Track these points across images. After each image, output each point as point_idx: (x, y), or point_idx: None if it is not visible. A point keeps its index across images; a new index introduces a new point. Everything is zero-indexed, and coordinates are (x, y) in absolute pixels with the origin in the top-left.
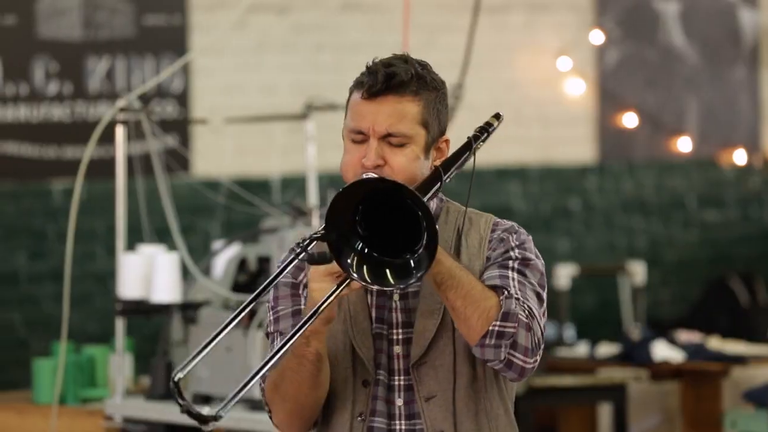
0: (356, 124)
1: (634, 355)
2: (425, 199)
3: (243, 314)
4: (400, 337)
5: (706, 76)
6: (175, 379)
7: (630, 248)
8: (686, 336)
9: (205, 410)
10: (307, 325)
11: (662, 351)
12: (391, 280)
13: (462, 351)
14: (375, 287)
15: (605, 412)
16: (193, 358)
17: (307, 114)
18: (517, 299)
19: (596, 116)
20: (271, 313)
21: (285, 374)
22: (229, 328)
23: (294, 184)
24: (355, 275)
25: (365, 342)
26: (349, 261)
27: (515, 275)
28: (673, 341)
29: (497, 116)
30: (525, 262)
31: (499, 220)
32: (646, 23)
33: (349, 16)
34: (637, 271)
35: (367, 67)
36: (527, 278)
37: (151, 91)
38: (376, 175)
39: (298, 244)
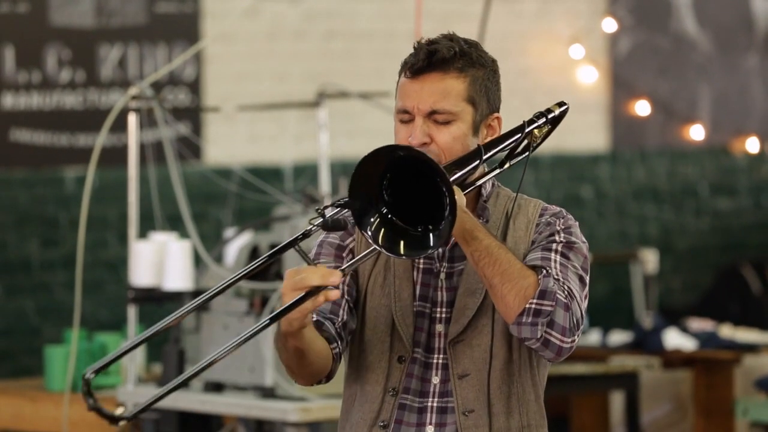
0: (402, 104)
1: (646, 343)
2: (459, 175)
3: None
4: (444, 315)
5: (718, 63)
6: (86, 376)
7: (642, 236)
8: (698, 324)
9: (119, 411)
10: (255, 328)
11: (674, 339)
12: (402, 251)
13: (500, 333)
14: (384, 251)
15: (617, 400)
16: (114, 359)
17: (320, 102)
18: (557, 279)
19: (608, 104)
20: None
21: (282, 352)
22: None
23: (306, 172)
24: (369, 235)
25: (406, 319)
26: (371, 221)
27: (558, 257)
28: (685, 329)
29: (561, 104)
30: (569, 245)
31: (548, 206)
32: (658, 11)
33: (361, 3)
34: (649, 259)
35: (413, 47)
36: (570, 261)
37: (164, 79)
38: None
39: (318, 209)
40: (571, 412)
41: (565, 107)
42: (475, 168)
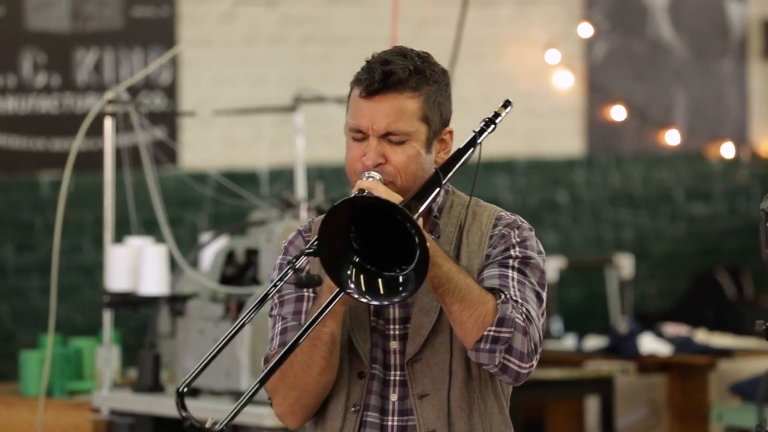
0: (356, 123)
1: (621, 348)
2: (422, 209)
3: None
4: (397, 332)
5: (694, 69)
6: (181, 390)
7: (617, 241)
8: (673, 329)
9: (209, 423)
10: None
11: (649, 344)
12: (383, 294)
13: (458, 350)
14: (373, 303)
15: (592, 405)
16: (196, 370)
17: (296, 106)
18: (515, 302)
19: (584, 109)
20: (276, 296)
21: (295, 359)
22: (225, 338)
23: (282, 177)
24: (352, 289)
25: (362, 335)
26: (349, 273)
27: (515, 274)
28: (660, 334)
29: (506, 104)
30: (525, 260)
31: (502, 213)
32: (634, 16)
33: (337, 8)
34: (625, 264)
35: (366, 63)
36: (527, 277)
37: (140, 83)
38: (366, 193)
39: (290, 261)
40: (547, 417)
41: (510, 107)
42: (437, 194)
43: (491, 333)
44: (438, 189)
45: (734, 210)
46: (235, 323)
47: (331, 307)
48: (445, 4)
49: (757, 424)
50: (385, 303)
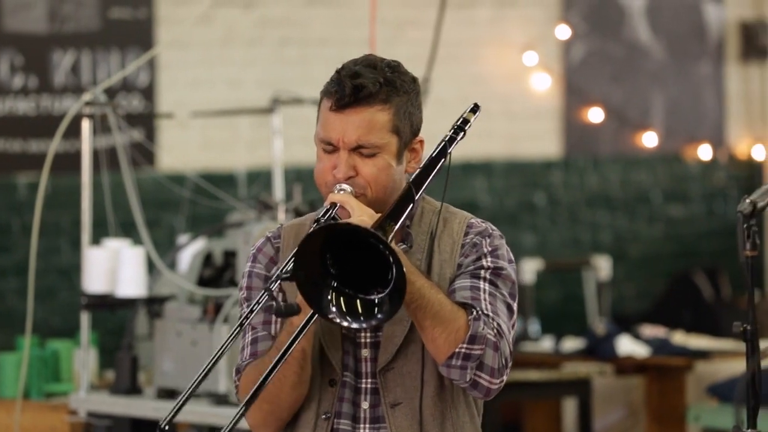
0: (326, 135)
1: (599, 349)
2: (396, 227)
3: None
4: (368, 340)
5: (671, 71)
6: (163, 426)
7: (595, 243)
8: (650, 331)
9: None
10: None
11: (627, 345)
12: (363, 317)
13: (430, 360)
14: (353, 326)
15: (570, 407)
16: (179, 404)
17: (273, 108)
18: (486, 316)
19: (562, 111)
20: (245, 304)
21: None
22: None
23: (260, 178)
24: (334, 314)
25: (333, 342)
26: (329, 298)
27: (487, 286)
28: (637, 336)
29: (474, 109)
30: (497, 271)
31: (473, 220)
32: (611, 18)
33: (315, 10)
34: (602, 266)
35: (336, 73)
36: (498, 289)
37: (117, 85)
38: (338, 207)
39: (266, 287)
40: (524, 419)
41: (478, 112)
42: (412, 210)
43: (463, 350)
44: (411, 205)
45: (711, 212)
46: (213, 354)
47: (306, 330)
48: (423, 6)
49: (734, 425)
50: (364, 326)
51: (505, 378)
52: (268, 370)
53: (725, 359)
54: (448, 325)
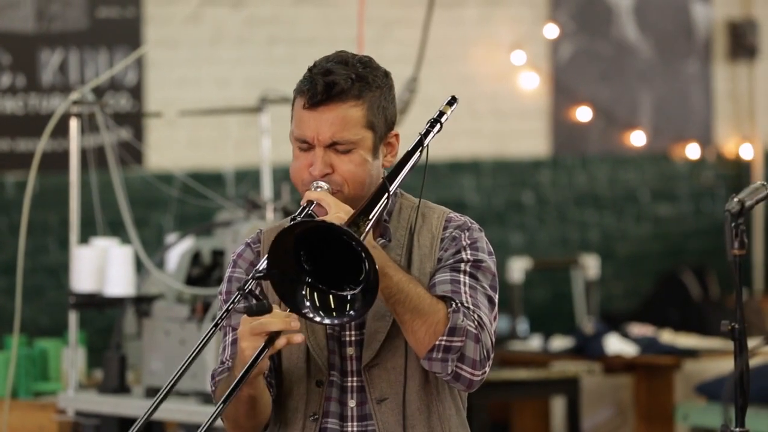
0: (301, 133)
1: (587, 348)
2: (370, 225)
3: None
4: (353, 338)
5: (659, 70)
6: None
7: (583, 242)
8: (639, 329)
9: None
10: (240, 385)
11: (615, 344)
12: (336, 313)
13: (413, 354)
14: (325, 322)
15: (558, 406)
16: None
17: (262, 107)
18: (467, 308)
19: (550, 110)
20: (223, 308)
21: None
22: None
23: (248, 177)
24: (308, 308)
25: (319, 342)
26: (303, 293)
27: (467, 279)
28: (625, 335)
29: (451, 102)
30: (477, 264)
31: (452, 215)
32: (599, 17)
33: (303, 9)
34: (590, 265)
35: (308, 71)
36: (479, 281)
37: (105, 84)
38: (314, 204)
39: (240, 287)
40: (513, 418)
41: (455, 104)
42: (385, 204)
43: (443, 342)
44: (385, 199)
45: (699, 211)
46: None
47: (248, 374)
48: (411, 5)
49: (723, 423)
50: (336, 322)
51: (487, 370)
52: (220, 402)
53: (713, 358)
54: (428, 318)
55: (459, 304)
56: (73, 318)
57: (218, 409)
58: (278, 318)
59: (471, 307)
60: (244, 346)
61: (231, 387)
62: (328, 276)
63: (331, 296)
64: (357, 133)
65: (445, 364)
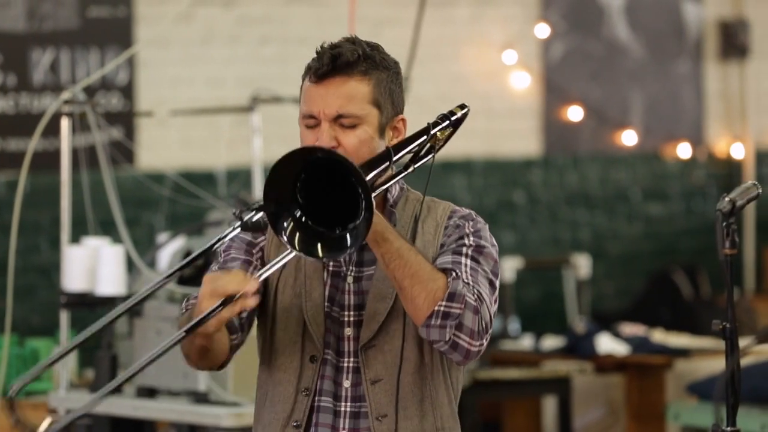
0: (307, 109)
1: (579, 347)
2: (370, 177)
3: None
4: (352, 319)
5: (650, 69)
6: (12, 395)
7: (574, 241)
8: (630, 329)
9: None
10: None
11: (606, 344)
12: (320, 253)
13: (411, 336)
14: (302, 255)
15: (550, 405)
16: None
17: (253, 107)
18: (467, 283)
19: (541, 109)
20: (222, 255)
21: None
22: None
23: (239, 177)
24: (285, 240)
25: (317, 318)
26: (285, 225)
27: (468, 261)
28: (617, 334)
29: (462, 106)
30: (479, 249)
31: (457, 208)
32: (590, 17)
33: (295, 8)
34: (582, 264)
35: (316, 52)
36: (480, 265)
37: (96, 84)
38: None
39: (235, 213)
40: (504, 417)
41: (466, 110)
42: (385, 170)
43: (442, 308)
44: (387, 164)
45: (691, 210)
46: (159, 348)
47: (193, 331)
48: (402, 4)
49: (714, 423)
50: (312, 257)
51: (485, 343)
52: (168, 341)
53: (705, 357)
54: (428, 285)
55: (458, 275)
56: (64, 317)
57: (163, 348)
58: (235, 281)
59: (471, 283)
60: (204, 307)
61: (172, 339)
62: (318, 214)
63: (319, 242)
64: (363, 108)
65: (443, 330)
